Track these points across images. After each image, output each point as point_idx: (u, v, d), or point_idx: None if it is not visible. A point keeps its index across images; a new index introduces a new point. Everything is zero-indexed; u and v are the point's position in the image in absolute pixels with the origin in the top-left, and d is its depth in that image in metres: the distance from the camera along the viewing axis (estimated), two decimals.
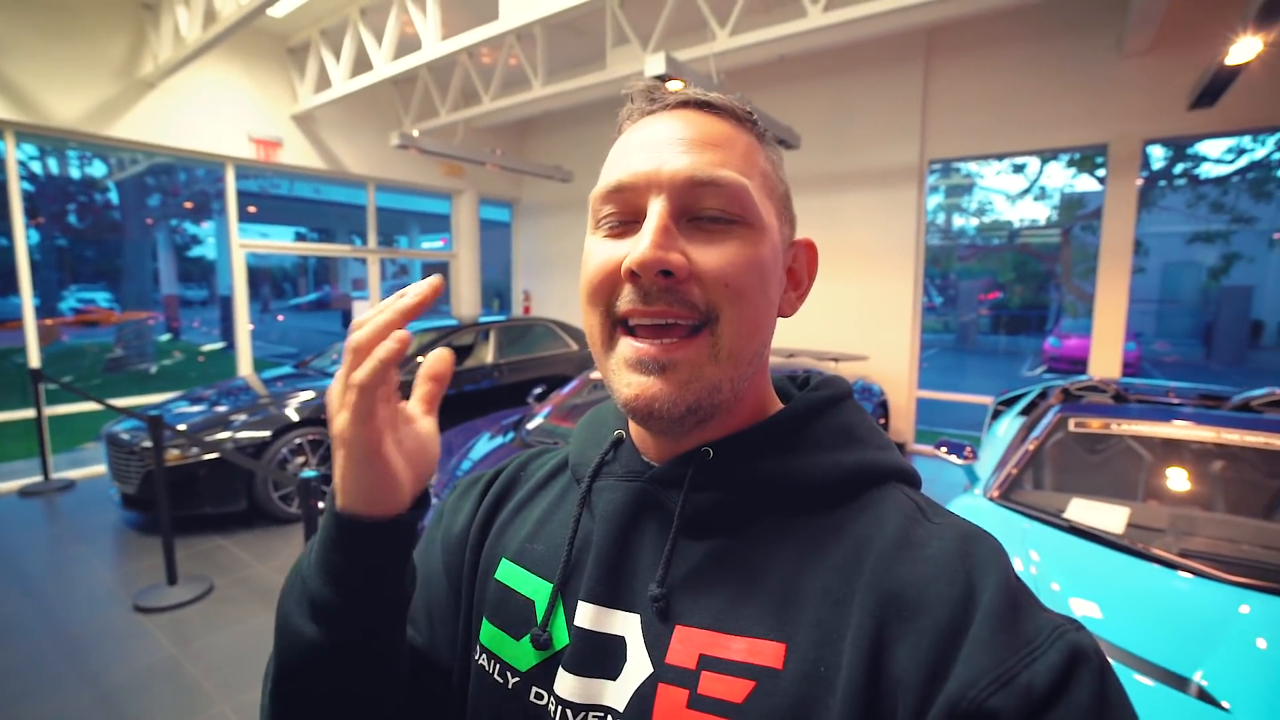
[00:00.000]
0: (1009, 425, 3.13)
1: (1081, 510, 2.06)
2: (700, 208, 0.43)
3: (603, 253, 0.44)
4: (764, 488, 0.45)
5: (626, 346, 0.43)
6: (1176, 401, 2.86)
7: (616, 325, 0.44)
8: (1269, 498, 2.13)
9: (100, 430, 4.06)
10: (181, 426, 3.60)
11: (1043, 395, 3.31)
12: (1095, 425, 2.47)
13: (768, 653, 0.39)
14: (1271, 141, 9.54)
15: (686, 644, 0.41)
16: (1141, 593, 1.68)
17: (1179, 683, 1.36)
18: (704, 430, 0.46)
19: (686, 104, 0.46)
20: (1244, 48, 2.85)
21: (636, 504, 0.47)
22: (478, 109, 5.37)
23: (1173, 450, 2.33)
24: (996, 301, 17.43)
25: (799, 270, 0.51)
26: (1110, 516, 2.00)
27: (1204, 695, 1.33)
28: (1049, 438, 2.51)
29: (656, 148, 0.44)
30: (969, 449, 2.62)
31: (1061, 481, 2.41)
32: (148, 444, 3.42)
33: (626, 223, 0.44)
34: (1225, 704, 1.30)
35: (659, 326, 0.42)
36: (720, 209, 0.43)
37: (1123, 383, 3.35)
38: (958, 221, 15.62)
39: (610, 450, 0.52)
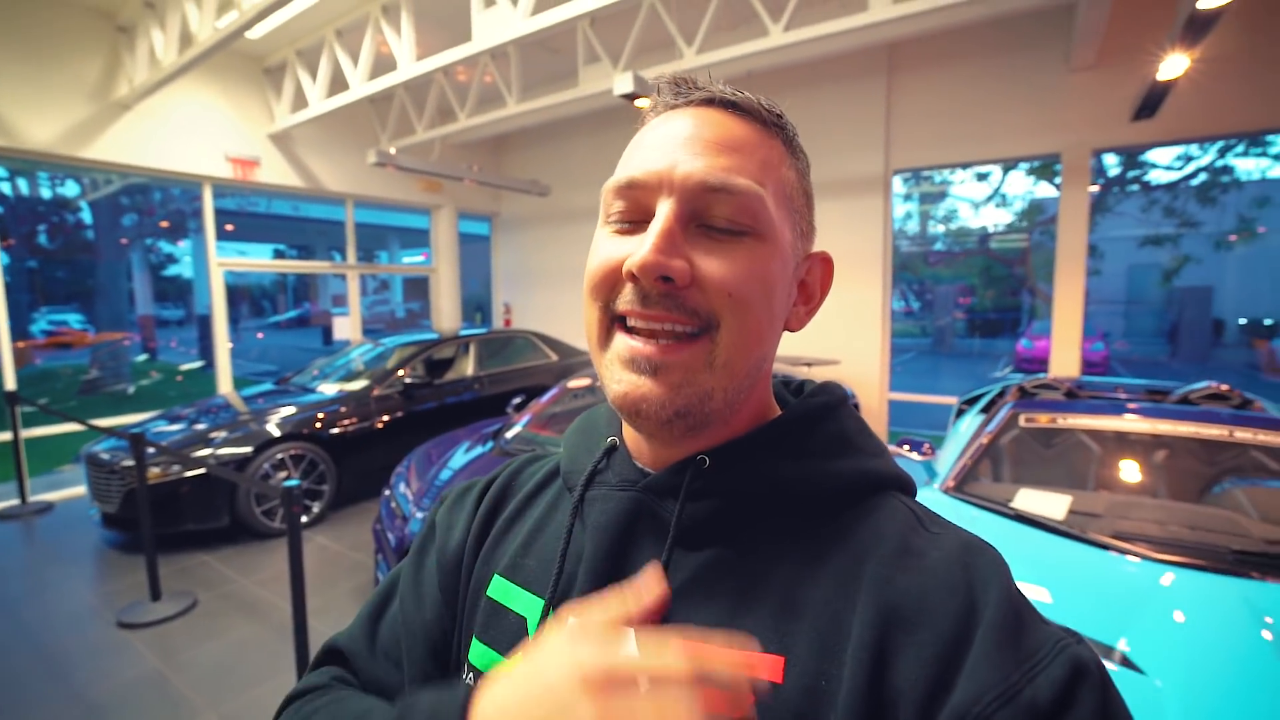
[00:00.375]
0: (970, 423, 3.28)
1: (1027, 499, 2.19)
2: (710, 214, 0.42)
3: (608, 249, 0.44)
4: (761, 497, 0.44)
5: (622, 343, 0.43)
6: (1124, 397, 3.02)
7: (614, 322, 0.44)
8: (1199, 482, 2.28)
9: (79, 451, 4.07)
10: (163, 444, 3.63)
11: (1002, 394, 3.47)
12: (1043, 420, 2.61)
13: (767, 667, 0.38)
14: (1214, 150, 10.01)
15: None
16: (1077, 573, 1.80)
17: (1105, 651, 1.48)
18: (700, 437, 0.45)
19: (711, 102, 0.45)
20: (1172, 64, 3.05)
21: (631, 514, 0.46)
22: (454, 126, 5.47)
23: (1114, 441, 2.47)
24: (971, 305, 17.82)
25: (811, 284, 0.50)
26: (1053, 504, 2.13)
27: (1126, 661, 1.45)
28: (1001, 432, 2.65)
29: (672, 146, 0.43)
30: (927, 445, 2.75)
31: (1014, 474, 2.54)
32: (128, 463, 3.45)
33: (635, 220, 0.44)
34: (1147, 671, 1.42)
35: (656, 330, 0.42)
36: (730, 217, 0.42)
37: (1078, 380, 3.51)
38: (933, 228, 16.00)
39: (603, 458, 0.51)
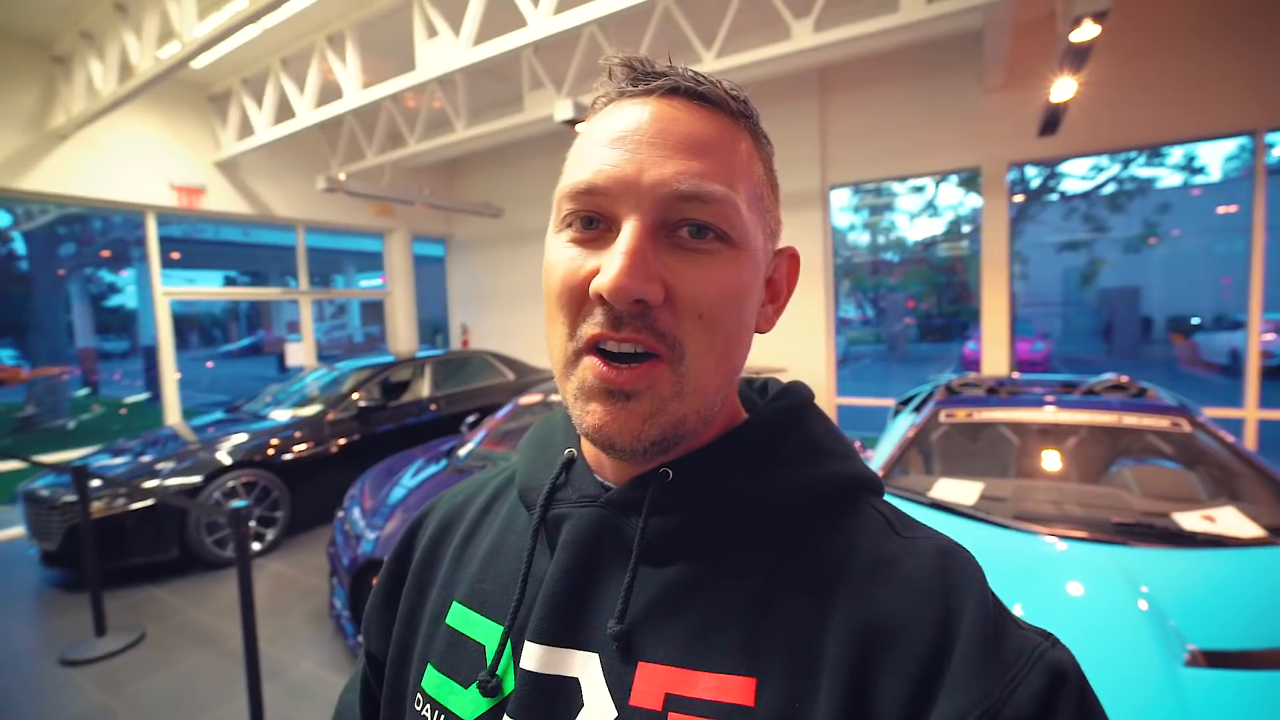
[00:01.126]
0: (903, 421, 3.49)
1: (943, 488, 2.37)
2: (681, 220, 0.39)
3: (568, 261, 0.40)
4: (728, 508, 0.42)
5: (589, 370, 0.39)
6: (1038, 391, 3.26)
7: (581, 346, 0.40)
8: (1099, 465, 2.51)
9: (14, 490, 3.95)
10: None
11: (932, 393, 3.69)
12: (960, 415, 2.82)
13: (737, 690, 0.36)
14: (1119, 161, 10.87)
15: (651, 683, 0.38)
16: (983, 551, 1.96)
17: None
18: (668, 450, 0.43)
19: (676, 91, 0.41)
20: (1062, 87, 3.35)
21: (592, 532, 0.44)
22: (404, 151, 5.54)
23: (1026, 432, 2.69)
24: (917, 312, 18.49)
25: (779, 281, 0.47)
26: (966, 492, 2.32)
27: None
28: (925, 427, 2.85)
29: (636, 146, 0.39)
30: (857, 443, 2.93)
31: (945, 467, 2.73)
32: (70, 498, 3.38)
33: (595, 222, 0.40)
34: None
35: (627, 352, 0.39)
36: (703, 226, 0.39)
37: (1000, 379, 3.76)
38: (879, 240, 16.60)
39: (561, 473, 0.48)
